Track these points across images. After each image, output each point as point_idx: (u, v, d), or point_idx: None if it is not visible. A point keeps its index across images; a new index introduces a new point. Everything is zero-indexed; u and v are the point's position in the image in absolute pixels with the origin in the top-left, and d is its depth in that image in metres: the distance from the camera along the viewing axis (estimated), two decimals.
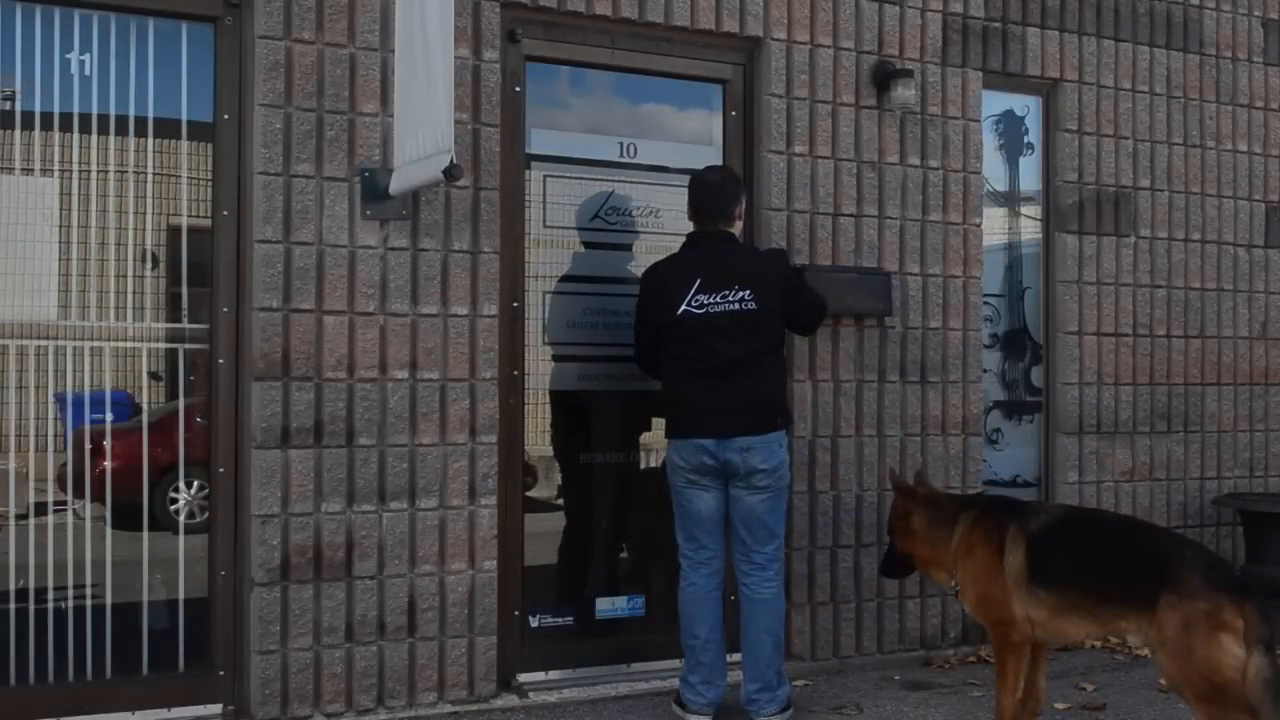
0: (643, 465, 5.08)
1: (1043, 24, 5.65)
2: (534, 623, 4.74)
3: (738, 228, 4.45)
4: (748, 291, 4.27)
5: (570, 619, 4.84)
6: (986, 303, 5.61)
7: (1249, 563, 5.73)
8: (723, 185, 4.47)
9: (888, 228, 5.25)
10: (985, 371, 5.57)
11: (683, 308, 4.27)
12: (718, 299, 4.27)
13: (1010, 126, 5.79)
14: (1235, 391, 6.13)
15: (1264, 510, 5.65)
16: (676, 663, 4.65)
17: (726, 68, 5.07)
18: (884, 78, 5.19)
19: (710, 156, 5.05)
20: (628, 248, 4.99)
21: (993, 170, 5.72)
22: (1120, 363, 5.80)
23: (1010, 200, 5.83)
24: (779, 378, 4.38)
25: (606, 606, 4.91)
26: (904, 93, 5.14)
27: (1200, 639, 3.63)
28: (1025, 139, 5.80)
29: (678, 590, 4.44)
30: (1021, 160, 5.81)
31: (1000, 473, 5.72)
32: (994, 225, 5.74)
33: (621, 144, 4.96)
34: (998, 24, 5.55)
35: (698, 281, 4.28)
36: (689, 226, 4.53)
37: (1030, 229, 5.82)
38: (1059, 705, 4.66)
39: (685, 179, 4.63)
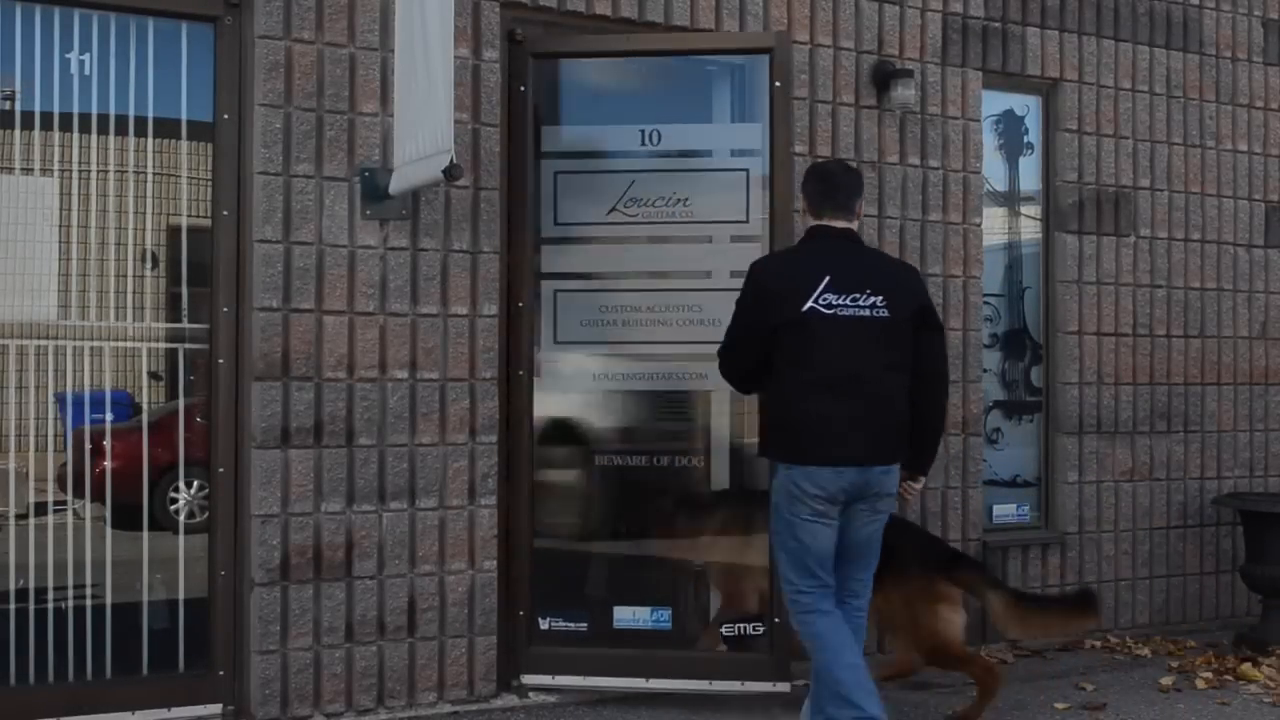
0: (667, 468, 4.96)
1: (1042, 24, 5.65)
2: (544, 625, 4.64)
3: (857, 226, 4.03)
4: (880, 298, 3.77)
5: (584, 625, 4.66)
6: (986, 302, 5.60)
7: (1249, 562, 5.73)
8: (846, 174, 4.05)
9: (888, 227, 5.25)
10: (985, 371, 5.57)
11: (809, 304, 3.73)
12: (848, 301, 3.76)
13: (1010, 126, 5.79)
14: (1235, 391, 6.12)
15: (1264, 510, 5.65)
16: (704, 684, 4.53)
17: (770, 35, 4.76)
18: (884, 77, 5.19)
19: (751, 134, 4.80)
20: (648, 240, 4.76)
21: (993, 170, 5.71)
22: (1120, 362, 5.79)
23: (1010, 200, 5.83)
24: (907, 400, 3.85)
25: (627, 616, 4.67)
26: (904, 92, 5.14)
27: (921, 610, 4.36)
28: (1025, 139, 5.79)
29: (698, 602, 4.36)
30: (1021, 160, 5.80)
31: (1000, 473, 5.72)
32: (994, 225, 5.74)
33: (643, 131, 4.74)
34: (997, 24, 5.55)
35: (826, 279, 3.77)
36: (724, 211, 4.43)
37: (1030, 229, 5.82)
38: (1059, 705, 4.66)
39: (707, 162, 4.54)
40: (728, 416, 4.91)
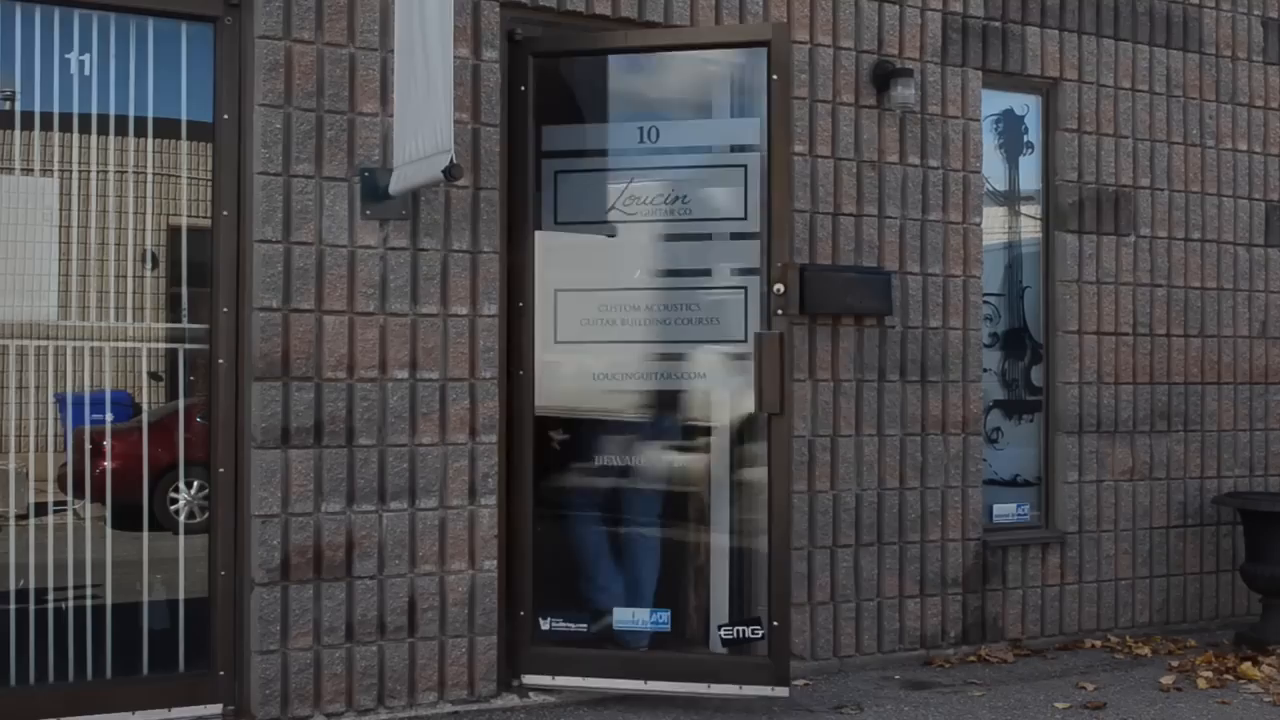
0: (665, 468, 5.01)
1: (1042, 23, 5.66)
2: (544, 625, 4.64)
3: None
4: None
5: (584, 625, 4.67)
6: (986, 302, 5.62)
7: (1249, 561, 5.75)
8: None
9: (888, 227, 5.26)
10: (985, 371, 5.58)
11: None
12: None
13: (1010, 126, 5.80)
14: (1235, 390, 6.14)
15: (1264, 509, 5.67)
16: (702, 687, 4.53)
17: (766, 27, 4.74)
18: (884, 77, 5.20)
19: (749, 129, 4.83)
20: (649, 238, 4.82)
21: (992, 169, 5.73)
22: (1120, 362, 5.81)
23: (1010, 199, 5.84)
24: None
25: (626, 618, 4.71)
26: (904, 92, 5.15)
27: None
28: (1025, 138, 5.81)
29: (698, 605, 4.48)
30: (1021, 159, 5.82)
31: (1000, 472, 5.73)
32: (994, 224, 5.75)
33: (641, 129, 4.76)
34: (997, 23, 5.56)
35: None
36: (722, 208, 4.62)
37: (1030, 228, 5.84)
38: (1059, 704, 4.68)
39: (716, 156, 4.66)
40: (728, 414, 4.91)
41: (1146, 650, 5.55)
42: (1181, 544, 5.97)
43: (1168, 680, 5.02)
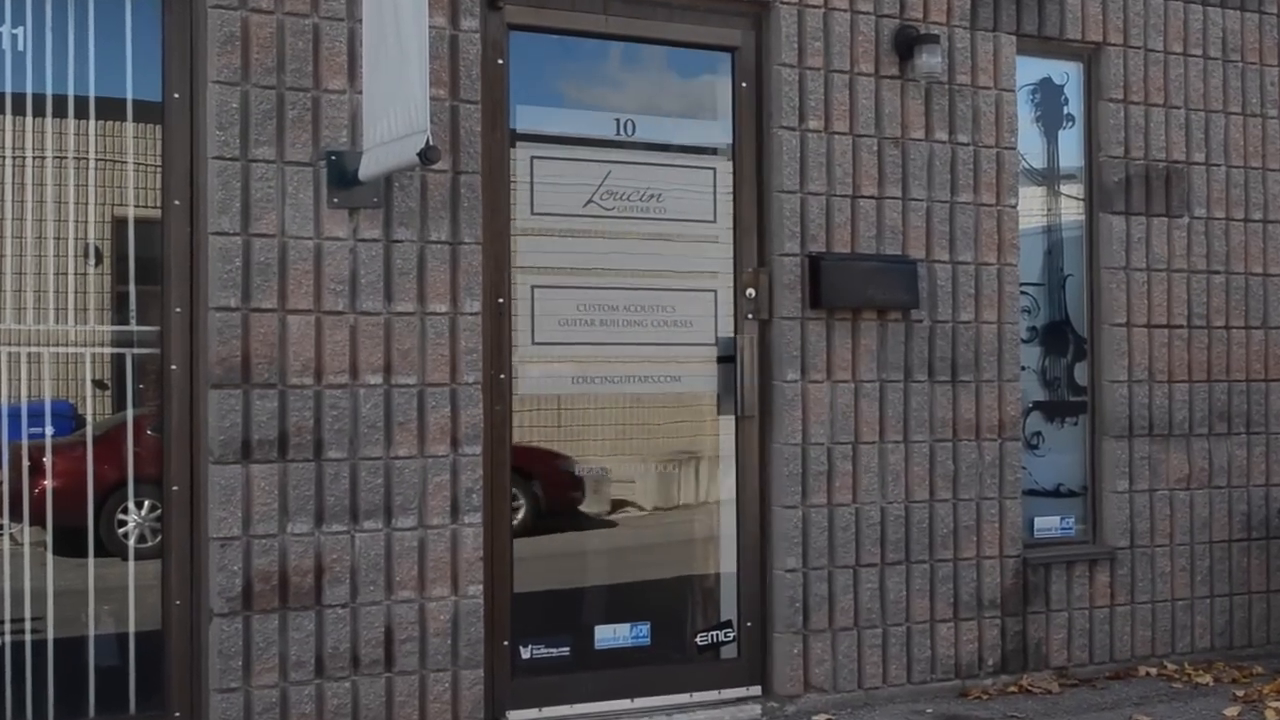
0: (647, 475, 5.09)
1: None
2: (525, 654, 4.71)
3: None
4: None
5: (566, 650, 4.79)
6: (1024, 292, 5.61)
7: None
8: None
9: (913, 210, 5.24)
10: (1023, 369, 5.58)
11: None
12: None
13: (1048, 96, 5.80)
14: None
15: None
16: (686, 696, 4.81)
17: (735, 34, 5.04)
18: (907, 44, 5.20)
19: (719, 132, 5.08)
20: (626, 235, 4.97)
21: (1029, 145, 5.73)
22: (1174, 357, 5.80)
23: (1049, 178, 5.84)
24: None
25: (607, 635, 4.86)
26: (929, 60, 5.15)
27: None
28: (1065, 110, 5.81)
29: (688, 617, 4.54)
30: (1061, 134, 5.82)
31: (1042, 481, 5.72)
32: (1031, 206, 5.75)
33: (618, 120, 4.94)
34: None
35: None
36: (693, 210, 4.82)
37: (1071, 210, 5.84)
38: None
39: (689, 156, 4.95)
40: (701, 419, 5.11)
41: (1208, 678, 5.54)
42: (1245, 559, 5.95)
43: (1232, 711, 5.01)
